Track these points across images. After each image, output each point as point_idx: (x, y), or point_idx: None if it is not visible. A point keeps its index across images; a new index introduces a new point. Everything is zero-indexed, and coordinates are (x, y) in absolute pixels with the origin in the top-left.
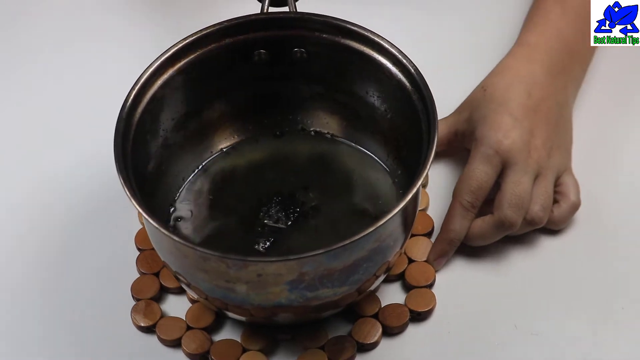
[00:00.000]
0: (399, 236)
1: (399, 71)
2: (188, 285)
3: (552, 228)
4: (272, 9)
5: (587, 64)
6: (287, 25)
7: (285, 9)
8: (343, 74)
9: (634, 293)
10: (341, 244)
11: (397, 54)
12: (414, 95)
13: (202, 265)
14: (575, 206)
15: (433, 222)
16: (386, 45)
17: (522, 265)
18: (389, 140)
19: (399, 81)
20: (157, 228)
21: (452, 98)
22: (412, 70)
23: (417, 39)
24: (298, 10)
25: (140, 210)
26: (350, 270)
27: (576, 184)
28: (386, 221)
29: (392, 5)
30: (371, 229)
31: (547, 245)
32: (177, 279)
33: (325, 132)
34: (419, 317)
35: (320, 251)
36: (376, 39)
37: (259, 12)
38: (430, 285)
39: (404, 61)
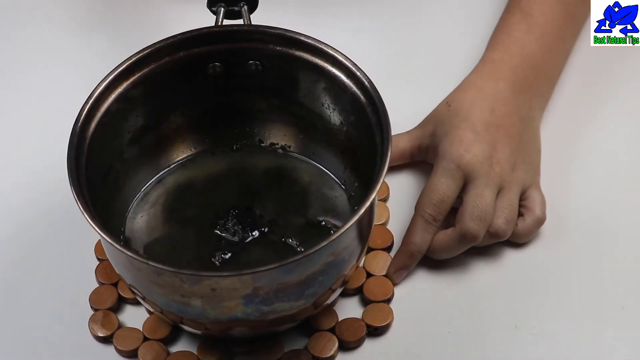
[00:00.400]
0: (354, 249)
1: (353, 84)
2: (143, 298)
3: (517, 241)
4: (226, 22)
5: (554, 79)
6: (241, 37)
7: (240, 21)
8: (298, 86)
9: (591, 308)
10: (295, 258)
11: (350, 66)
12: (367, 107)
13: (156, 280)
14: (540, 221)
15: (393, 237)
16: (340, 58)
17: (484, 279)
18: (345, 152)
19: (353, 94)
20: (110, 243)
21: (408, 111)
22: (366, 83)
23: (373, 51)
24: (253, 23)
25: (93, 225)
26: (306, 284)
27: (542, 199)
28: (340, 235)
29: (349, 18)
30: (325, 243)
31: (509, 257)
32: (133, 292)
33: (282, 144)
34: (375, 332)
35: (274, 265)
36: (330, 51)
37: (214, 24)
38: (388, 300)
39: (358, 74)
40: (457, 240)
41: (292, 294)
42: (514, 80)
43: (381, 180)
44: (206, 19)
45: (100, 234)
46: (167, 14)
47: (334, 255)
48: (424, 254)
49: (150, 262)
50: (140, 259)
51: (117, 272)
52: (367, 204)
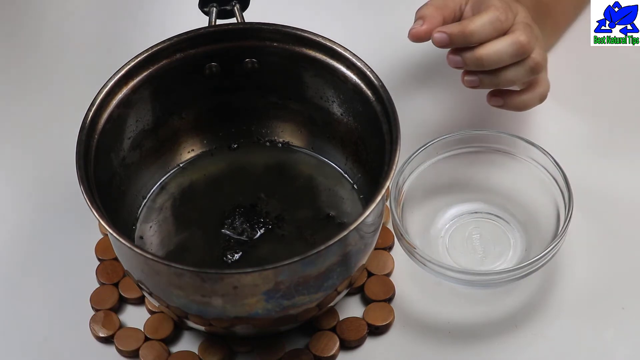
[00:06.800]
0: (370, 238)
1: (354, 74)
2: (150, 294)
3: (517, 107)
4: (219, 21)
5: (560, 25)
6: (237, 36)
7: (233, 20)
8: (296, 81)
9: (591, 308)
10: (316, 250)
11: (350, 57)
12: (371, 97)
13: (176, 282)
14: (543, 97)
15: (393, 236)
16: (339, 50)
17: None
18: (346, 144)
19: (355, 84)
20: (129, 247)
21: (412, 99)
22: (368, 73)
23: (370, 45)
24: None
25: (112, 232)
26: (325, 275)
27: (548, 83)
28: (362, 221)
29: (340, 12)
30: (345, 233)
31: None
32: (140, 287)
33: (281, 140)
34: (376, 331)
35: (296, 259)
36: (328, 44)
37: (207, 25)
38: (389, 300)
39: (359, 64)
40: (510, 45)
41: (312, 287)
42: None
43: (395, 163)
44: (197, 20)
45: (119, 239)
46: (159, 17)
47: (352, 245)
48: (472, 44)
49: (172, 264)
50: (160, 260)
51: (136, 278)
52: (384, 188)
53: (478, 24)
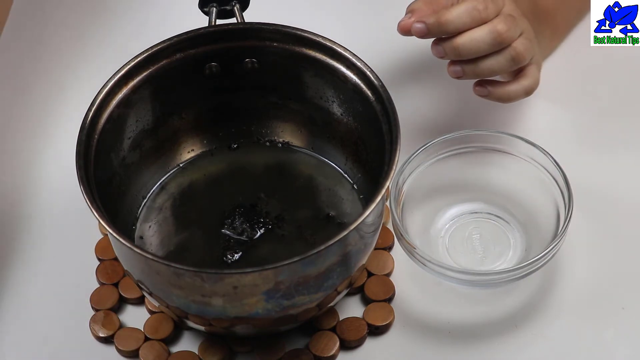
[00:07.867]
0: (370, 238)
1: (354, 74)
2: (150, 294)
3: (502, 99)
4: (219, 21)
5: (560, 31)
6: (237, 36)
7: (233, 20)
8: (296, 81)
9: (591, 308)
10: (316, 250)
11: (350, 57)
12: (371, 97)
13: (176, 282)
14: (530, 90)
15: (393, 236)
16: (339, 50)
17: None
18: (346, 144)
19: (355, 85)
20: (129, 247)
21: (412, 99)
22: (368, 73)
23: (371, 45)
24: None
25: (112, 232)
26: (325, 275)
27: (539, 76)
28: (361, 222)
29: (341, 12)
30: (345, 233)
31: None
32: (140, 287)
33: (281, 140)
34: (376, 331)
35: (296, 259)
36: (328, 44)
37: (207, 25)
38: (389, 300)
39: (358, 64)
40: (487, 33)
41: (312, 287)
42: (531, 11)
43: (395, 163)
44: (197, 20)
45: (119, 239)
46: (159, 17)
47: (352, 245)
48: (449, 33)
49: (172, 264)
50: (160, 260)
51: (136, 278)
52: (384, 188)
53: (454, 13)
